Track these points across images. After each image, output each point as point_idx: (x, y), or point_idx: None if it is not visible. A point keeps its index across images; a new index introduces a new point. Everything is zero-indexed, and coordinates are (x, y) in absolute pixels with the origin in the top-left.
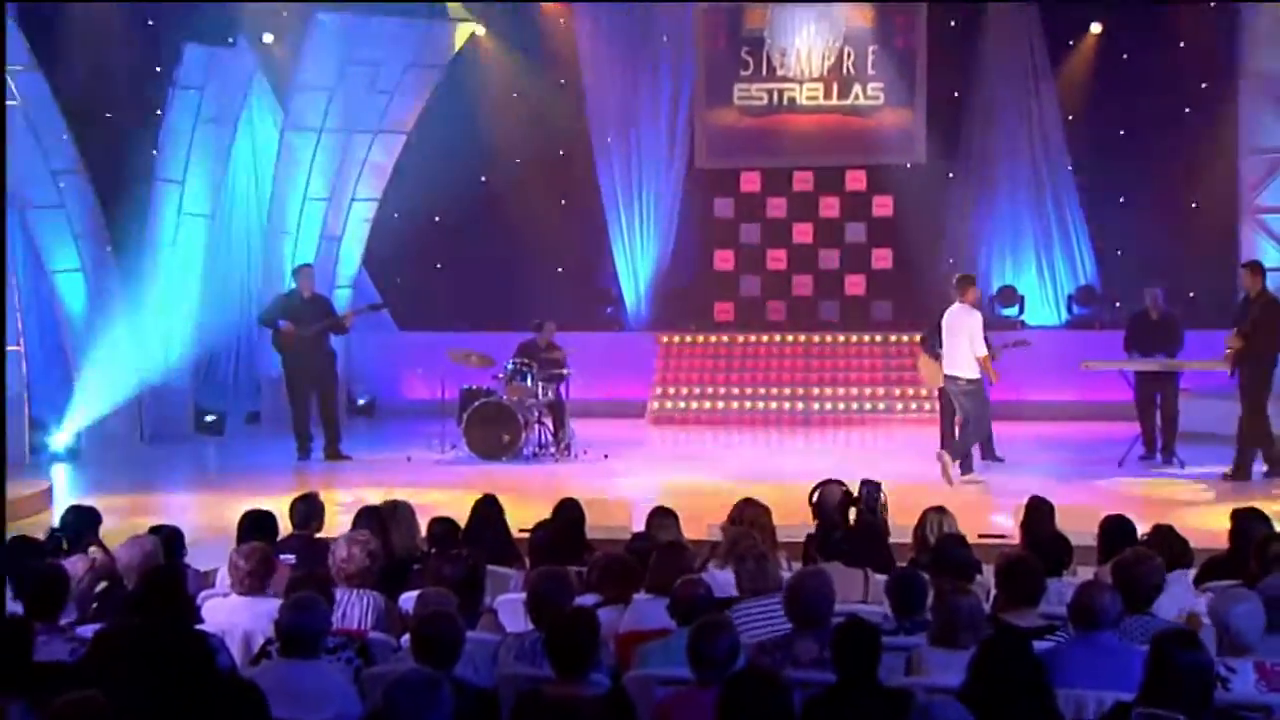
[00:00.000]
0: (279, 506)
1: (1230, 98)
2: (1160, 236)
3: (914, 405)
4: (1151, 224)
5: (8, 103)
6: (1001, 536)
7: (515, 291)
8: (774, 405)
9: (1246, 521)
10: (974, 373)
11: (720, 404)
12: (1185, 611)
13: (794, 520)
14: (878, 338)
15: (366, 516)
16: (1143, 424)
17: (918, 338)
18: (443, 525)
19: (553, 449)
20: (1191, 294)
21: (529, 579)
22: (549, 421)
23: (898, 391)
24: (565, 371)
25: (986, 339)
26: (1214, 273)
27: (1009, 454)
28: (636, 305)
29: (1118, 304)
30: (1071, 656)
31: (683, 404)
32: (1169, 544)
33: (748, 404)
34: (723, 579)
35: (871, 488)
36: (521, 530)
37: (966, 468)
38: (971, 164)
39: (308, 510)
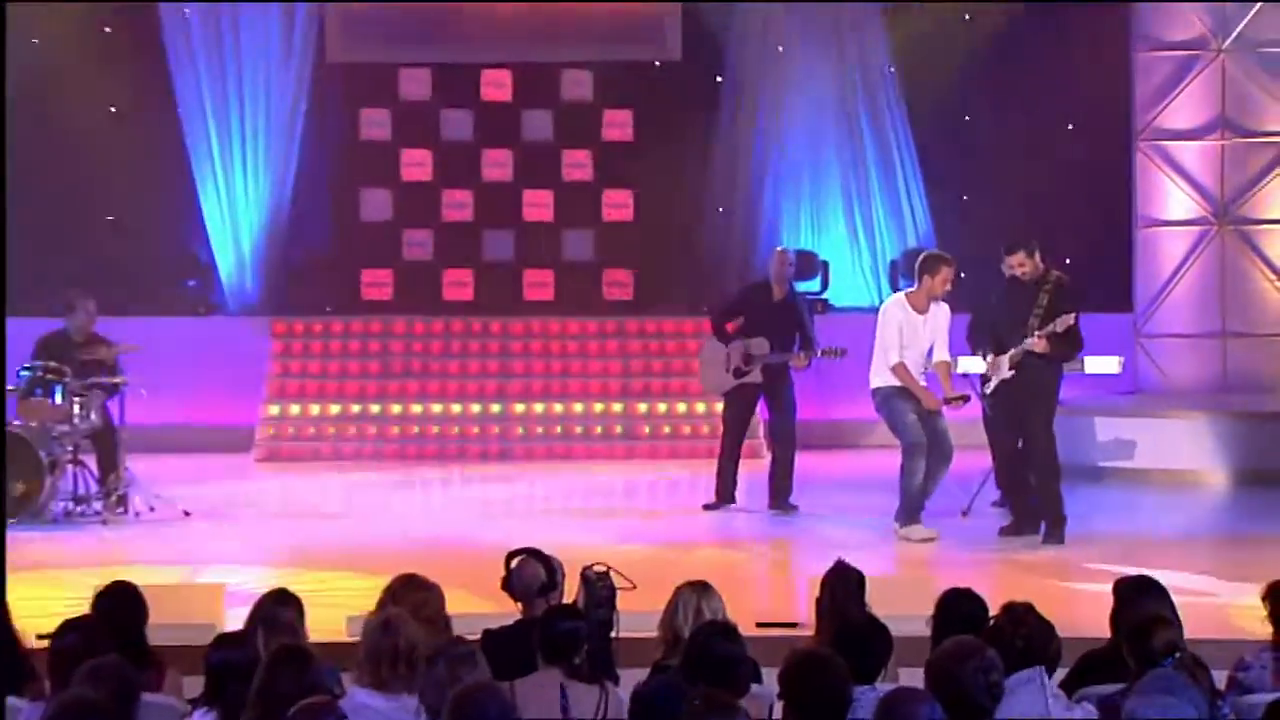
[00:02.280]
0: None
1: None
2: (1022, 175)
3: (668, 427)
4: (1009, 157)
5: None
6: (792, 625)
7: (32, 253)
8: (455, 430)
9: (1132, 597)
10: (879, 380)
11: (372, 429)
12: None
13: (485, 606)
14: (611, 325)
15: None
16: (996, 455)
17: (706, 321)
18: None
19: (98, 504)
20: (1068, 259)
21: (50, 711)
22: (91, 460)
23: (644, 407)
24: (118, 381)
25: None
26: (1098, 226)
27: (809, 498)
28: (239, 277)
29: (962, 274)
30: None
31: (313, 429)
32: (1027, 631)
33: (415, 428)
34: (364, 701)
35: (598, 578)
36: (40, 636)
37: (908, 517)
38: (750, 65)
39: None
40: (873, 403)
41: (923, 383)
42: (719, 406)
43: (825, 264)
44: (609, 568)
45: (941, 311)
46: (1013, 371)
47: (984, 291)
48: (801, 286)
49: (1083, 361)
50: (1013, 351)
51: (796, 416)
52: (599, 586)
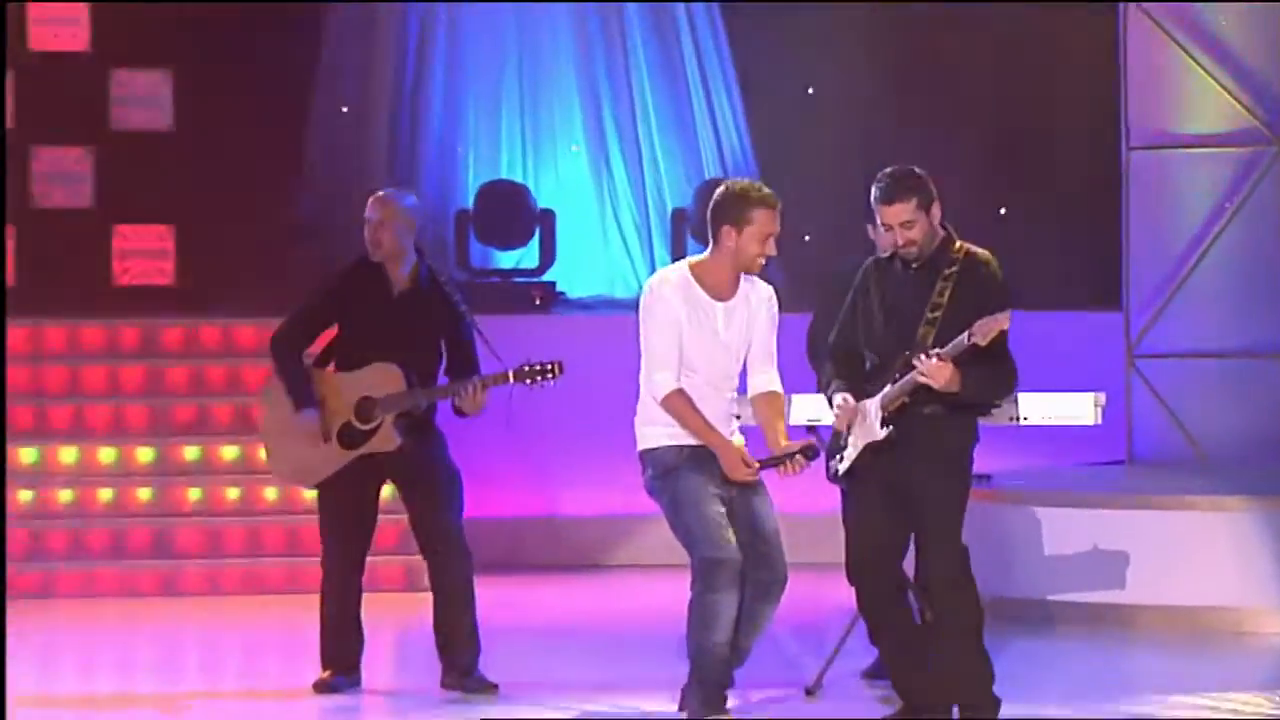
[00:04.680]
0: None
1: None
2: (914, 55)
3: (243, 526)
4: (891, 23)
5: None
6: None
7: None
8: None
9: None
10: (652, 434)
11: None
12: None
13: None
14: (131, 336)
15: None
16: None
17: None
18: None
19: None
20: (1001, 209)
21: None
22: None
23: (197, 493)
24: None
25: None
26: (1060, 148)
27: (515, 665)
28: None
29: (806, 237)
30: None
31: None
32: None
33: None
34: None
35: None
36: None
37: (704, 701)
38: None
39: None
40: (641, 478)
41: (735, 436)
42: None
43: (548, 217)
44: None
45: (760, 298)
46: (889, 429)
47: (847, 272)
48: (505, 260)
49: (1017, 405)
50: (889, 390)
51: (463, 508)
52: None
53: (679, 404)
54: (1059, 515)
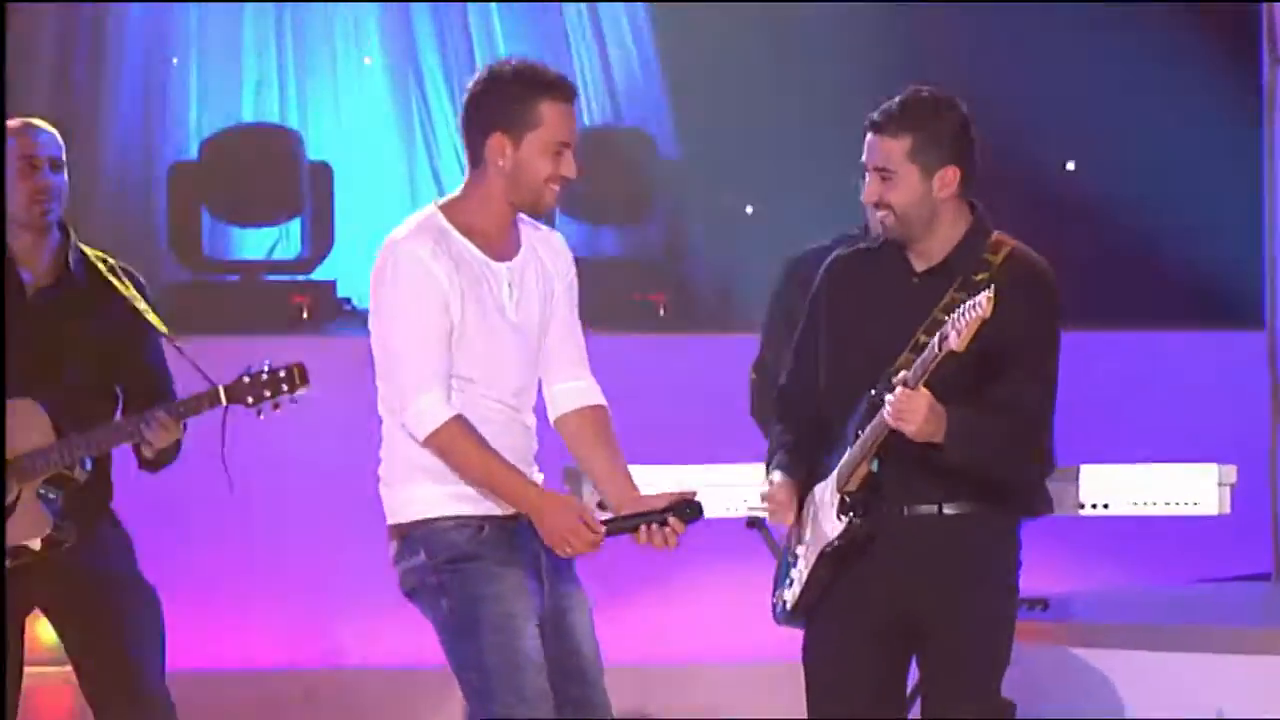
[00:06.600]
0: None
1: None
2: None
3: None
4: None
5: None
6: None
7: None
8: None
9: None
10: (413, 495)
11: None
12: None
13: None
14: None
15: None
16: None
17: None
18: None
19: None
20: (1068, 163)
21: None
22: None
23: None
24: None
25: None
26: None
27: None
28: None
29: (749, 209)
30: None
31: None
32: None
33: None
34: None
35: None
36: None
37: None
38: None
39: None
40: (395, 569)
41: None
42: None
43: (323, 176)
44: None
45: (553, 251)
46: (848, 518)
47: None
48: (252, 246)
49: (1077, 480)
50: (847, 457)
51: (164, 647)
52: None
53: (461, 441)
54: (1159, 663)
